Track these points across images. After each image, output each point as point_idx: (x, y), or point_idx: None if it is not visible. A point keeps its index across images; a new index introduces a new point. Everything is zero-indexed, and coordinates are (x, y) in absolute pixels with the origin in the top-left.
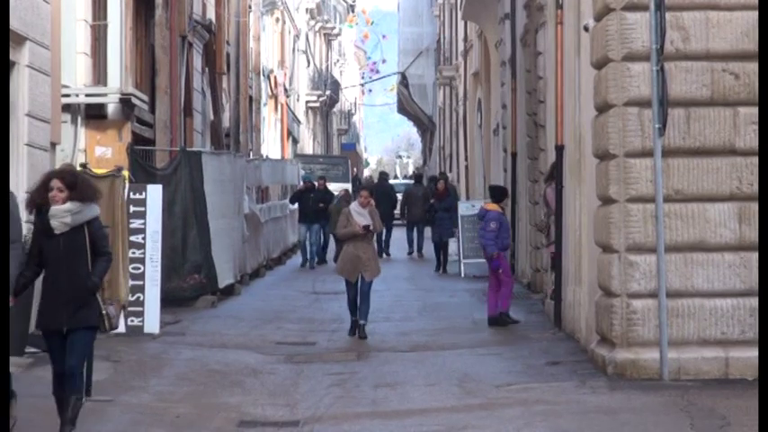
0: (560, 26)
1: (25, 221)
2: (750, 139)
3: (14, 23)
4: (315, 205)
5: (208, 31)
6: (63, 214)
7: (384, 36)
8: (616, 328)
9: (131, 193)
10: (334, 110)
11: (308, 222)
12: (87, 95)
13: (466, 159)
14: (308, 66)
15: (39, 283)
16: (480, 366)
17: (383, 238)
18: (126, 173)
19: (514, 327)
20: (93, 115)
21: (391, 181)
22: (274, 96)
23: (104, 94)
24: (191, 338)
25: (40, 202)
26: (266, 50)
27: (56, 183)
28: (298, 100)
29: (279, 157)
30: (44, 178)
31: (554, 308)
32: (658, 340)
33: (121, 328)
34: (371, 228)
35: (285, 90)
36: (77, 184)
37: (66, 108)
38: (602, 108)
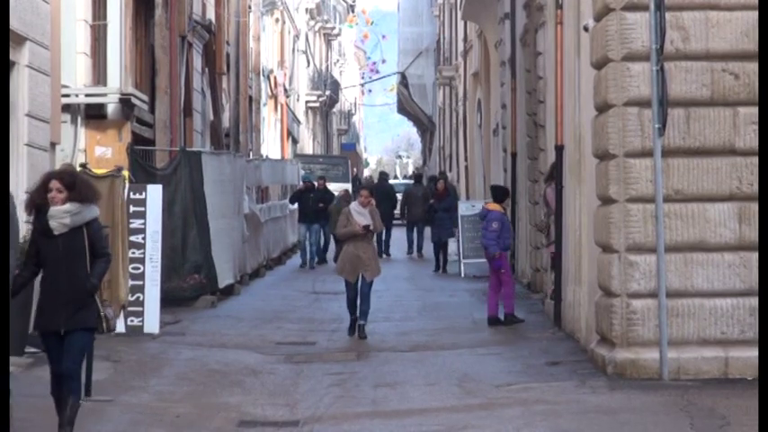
0: (560, 26)
1: (24, 222)
2: (750, 139)
3: (14, 23)
4: (314, 205)
5: (208, 32)
6: (62, 215)
7: (384, 36)
8: (616, 327)
9: (131, 193)
10: (334, 110)
11: (307, 222)
12: (87, 95)
13: (466, 159)
14: (308, 66)
15: (38, 283)
16: (480, 366)
17: (383, 238)
18: (126, 173)
19: (514, 326)
20: (93, 115)
21: (391, 181)
22: (274, 96)
23: (104, 94)
24: (190, 338)
25: (39, 202)
26: (266, 50)
27: (55, 183)
28: (297, 100)
29: (279, 157)
30: (43, 179)
31: (554, 308)
32: (658, 340)
33: (121, 328)
34: (371, 227)
35: (285, 90)
36: (77, 184)
37: (66, 108)
38: (602, 108)
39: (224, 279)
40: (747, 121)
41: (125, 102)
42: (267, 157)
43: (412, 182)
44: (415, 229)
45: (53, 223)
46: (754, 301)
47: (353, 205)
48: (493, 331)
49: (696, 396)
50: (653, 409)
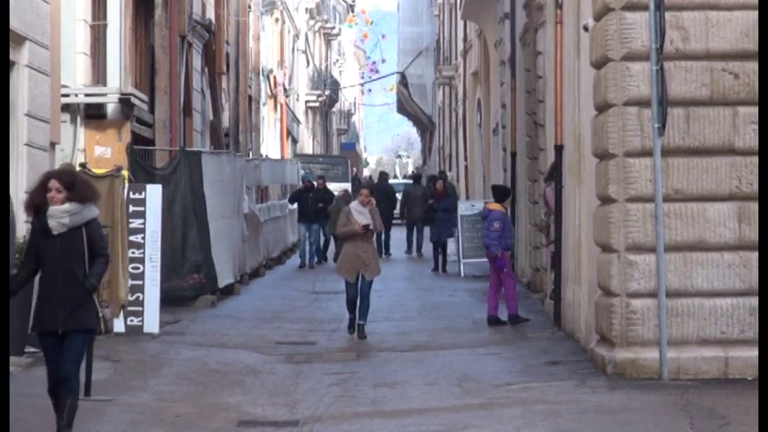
0: (560, 26)
1: (24, 222)
2: (750, 138)
3: (14, 23)
4: (314, 205)
5: (207, 31)
6: (61, 215)
7: (384, 36)
8: (615, 327)
9: (131, 193)
10: (334, 110)
11: (307, 222)
12: (87, 95)
13: (465, 159)
14: (308, 65)
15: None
16: (480, 366)
17: (383, 238)
18: (125, 173)
19: (514, 326)
20: (93, 115)
21: (391, 180)
22: (274, 96)
23: (104, 94)
24: (190, 338)
25: (38, 202)
26: (266, 50)
27: (54, 183)
28: (297, 100)
29: (278, 156)
30: (42, 178)
31: (554, 307)
32: (658, 340)
33: (121, 328)
34: (371, 227)
35: (285, 90)
36: (76, 184)
37: (66, 108)
38: (602, 108)
39: (224, 279)
40: (747, 120)
41: (125, 102)
42: (267, 156)
43: (411, 182)
44: (414, 230)
45: (52, 223)
46: (754, 301)
47: (354, 204)
48: (493, 331)
49: (696, 396)
50: (653, 409)
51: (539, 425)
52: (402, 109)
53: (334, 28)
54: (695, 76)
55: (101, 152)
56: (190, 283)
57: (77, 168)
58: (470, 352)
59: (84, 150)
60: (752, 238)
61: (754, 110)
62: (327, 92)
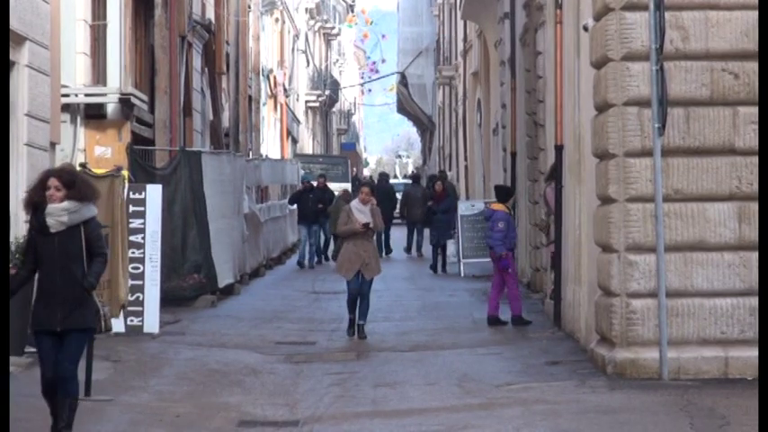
0: (560, 26)
1: (24, 222)
2: (750, 138)
3: (14, 23)
4: (314, 206)
5: (207, 31)
6: (60, 213)
7: (383, 36)
8: (616, 327)
9: (131, 193)
10: (334, 110)
11: (307, 223)
12: (87, 95)
13: (465, 159)
14: (308, 65)
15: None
16: (480, 366)
17: (383, 237)
18: (125, 173)
19: (514, 326)
20: (93, 115)
21: (391, 180)
22: (274, 96)
23: (104, 94)
24: (190, 338)
25: (37, 200)
26: (266, 50)
27: (53, 181)
28: (297, 100)
29: (278, 156)
30: (42, 176)
31: (554, 307)
32: (658, 340)
33: (121, 328)
34: (371, 225)
35: (285, 90)
36: (75, 182)
37: (66, 108)
38: (602, 108)
39: (224, 279)
40: (747, 120)
41: (125, 102)
42: (267, 156)
43: (411, 182)
44: (414, 231)
45: (50, 221)
46: (754, 301)
47: (354, 203)
48: (493, 331)
49: (696, 396)
50: (653, 409)
51: (539, 425)
52: (402, 109)
53: (334, 28)
54: (695, 76)
55: (101, 152)
56: (190, 283)
57: (77, 168)
58: (470, 352)
59: (85, 150)
60: (752, 238)
61: (754, 110)
62: (327, 92)
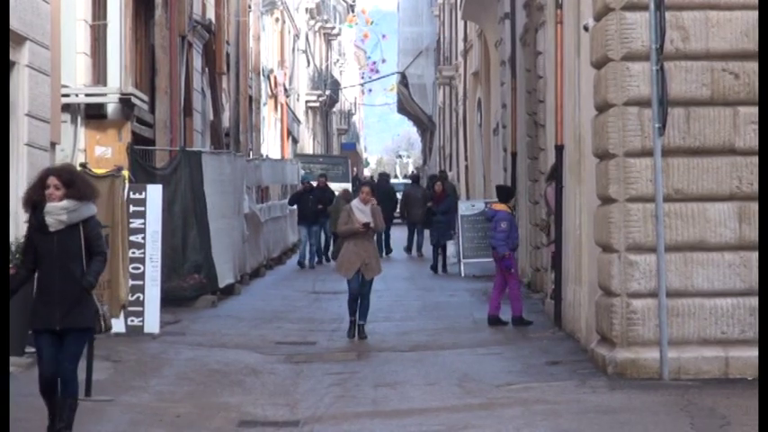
0: (560, 26)
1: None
2: (750, 138)
3: (14, 23)
4: (314, 206)
5: (208, 31)
6: (59, 212)
7: (384, 36)
8: (616, 327)
9: (131, 193)
10: (334, 110)
11: (307, 224)
12: (87, 95)
13: (466, 159)
14: (308, 65)
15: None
16: (480, 366)
17: (383, 237)
18: (126, 173)
19: (515, 326)
20: (93, 115)
21: (391, 180)
22: (274, 96)
23: (104, 94)
24: (191, 338)
25: (36, 198)
26: (266, 50)
27: (53, 180)
28: (297, 100)
29: (279, 156)
30: (41, 175)
31: (554, 307)
32: (658, 340)
33: (121, 328)
34: (372, 225)
35: (285, 90)
36: (75, 181)
37: (66, 108)
38: (602, 107)
39: (224, 279)
40: (747, 120)
41: (125, 102)
42: (267, 156)
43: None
44: (414, 231)
45: (49, 219)
46: (755, 301)
47: (355, 202)
48: (493, 331)
49: (696, 396)
50: (653, 409)
51: (539, 425)
52: (402, 109)
53: (334, 28)
54: (695, 76)
55: (101, 152)
56: (190, 283)
57: (78, 168)
58: (471, 352)
59: (85, 150)
60: (752, 238)
61: (755, 110)
62: (328, 92)
